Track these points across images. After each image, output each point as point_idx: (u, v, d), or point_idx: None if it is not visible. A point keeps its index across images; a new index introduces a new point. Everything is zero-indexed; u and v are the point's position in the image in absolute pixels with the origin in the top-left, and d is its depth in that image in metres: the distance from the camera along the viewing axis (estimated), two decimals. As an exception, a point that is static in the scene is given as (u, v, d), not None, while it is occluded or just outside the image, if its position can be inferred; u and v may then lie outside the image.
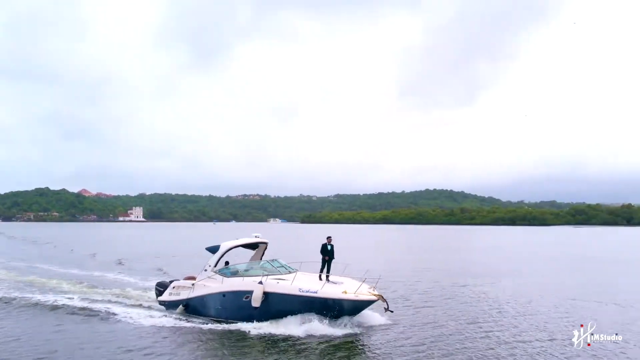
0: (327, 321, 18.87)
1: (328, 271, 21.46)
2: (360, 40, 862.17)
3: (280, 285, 19.74)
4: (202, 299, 22.06)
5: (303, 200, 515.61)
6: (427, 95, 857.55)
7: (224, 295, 21.03)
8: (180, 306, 22.77)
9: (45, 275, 37.14)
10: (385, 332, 19.62)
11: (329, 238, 22.23)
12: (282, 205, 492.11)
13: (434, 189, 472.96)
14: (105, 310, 23.57)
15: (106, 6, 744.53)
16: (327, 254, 21.71)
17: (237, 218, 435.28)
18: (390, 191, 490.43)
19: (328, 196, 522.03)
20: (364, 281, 19.61)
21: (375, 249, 75.02)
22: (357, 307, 19.18)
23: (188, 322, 21.40)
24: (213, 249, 23.41)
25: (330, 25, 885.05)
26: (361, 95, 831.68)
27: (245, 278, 20.89)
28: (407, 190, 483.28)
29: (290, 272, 21.51)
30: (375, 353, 17.10)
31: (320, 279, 20.84)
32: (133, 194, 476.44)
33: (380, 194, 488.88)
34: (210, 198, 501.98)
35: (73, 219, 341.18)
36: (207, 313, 21.80)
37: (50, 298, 26.72)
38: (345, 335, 18.60)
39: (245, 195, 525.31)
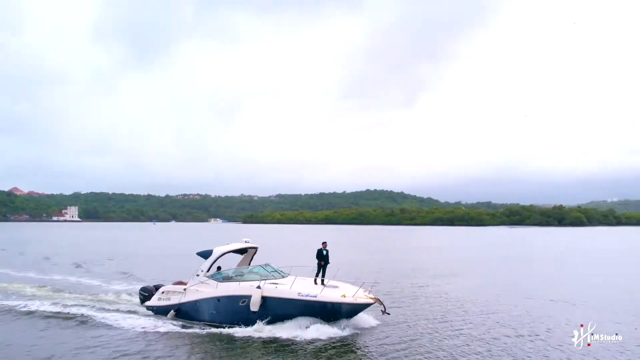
0: (324, 324, 19.59)
1: (323, 275, 22.14)
2: (304, 40, 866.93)
3: (279, 289, 20.29)
4: (195, 303, 22.25)
5: (244, 200, 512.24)
6: (369, 97, 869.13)
7: (218, 300, 21.33)
8: (172, 311, 22.82)
9: (4, 279, 36.24)
10: (379, 332, 20.45)
11: (324, 243, 22.83)
12: (223, 205, 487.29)
13: (375, 190, 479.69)
14: (87, 315, 23.49)
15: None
16: (323, 258, 22.33)
17: (177, 218, 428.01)
18: (331, 191, 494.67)
19: (269, 196, 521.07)
20: (361, 286, 20.41)
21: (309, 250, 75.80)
22: (355, 310, 19.96)
23: (181, 326, 21.58)
24: (205, 254, 23.60)
25: (274, 25, 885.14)
26: (303, 95, 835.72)
27: (242, 283, 21.31)
28: (349, 191, 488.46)
29: (283, 277, 22.15)
30: (373, 353, 17.97)
31: (316, 283, 21.60)
32: (67, 192, 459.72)
33: (322, 194, 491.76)
34: (149, 197, 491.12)
35: (4, 218, 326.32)
36: (200, 318, 22.01)
37: (19, 303, 26.28)
38: (343, 338, 19.24)
39: (185, 194, 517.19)
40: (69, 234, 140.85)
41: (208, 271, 23.12)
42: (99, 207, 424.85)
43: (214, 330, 20.77)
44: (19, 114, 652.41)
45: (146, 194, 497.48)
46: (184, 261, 54.63)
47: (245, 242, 24.68)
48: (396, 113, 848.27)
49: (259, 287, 20.35)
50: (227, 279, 22.34)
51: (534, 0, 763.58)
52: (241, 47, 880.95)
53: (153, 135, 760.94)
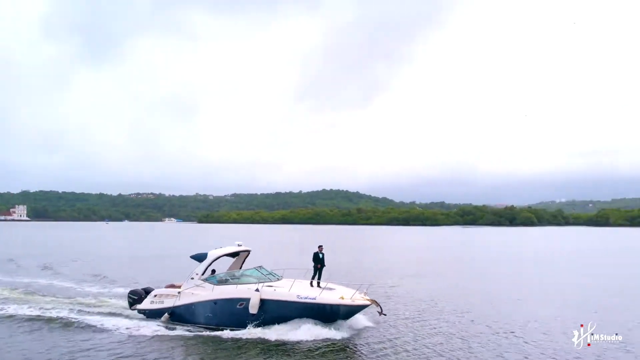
0: (322, 325, 20.19)
1: (319, 278, 22.72)
2: (261, 40, 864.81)
3: (278, 292, 20.81)
4: (190, 306, 22.49)
5: (199, 199, 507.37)
6: (325, 96, 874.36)
7: (215, 303, 21.67)
8: (166, 314, 22.96)
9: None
10: (368, 332, 21.22)
11: (320, 247, 23.40)
12: (178, 205, 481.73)
13: (331, 189, 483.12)
14: (73, 318, 23.44)
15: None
16: (319, 261, 22.91)
17: (130, 217, 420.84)
18: (287, 191, 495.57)
19: (225, 195, 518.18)
20: (358, 289, 21.08)
21: (286, 250, 76.15)
22: (352, 311, 20.65)
23: (176, 329, 21.85)
24: (199, 258, 23.81)
25: (231, 24, 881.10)
26: (260, 95, 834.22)
27: (239, 286, 21.69)
28: (305, 190, 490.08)
29: (278, 279, 22.67)
30: (364, 352, 18.72)
31: (312, 285, 22.20)
32: (15, 191, 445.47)
33: (278, 194, 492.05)
34: (101, 196, 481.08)
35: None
36: (195, 320, 22.27)
37: None
38: (340, 339, 19.82)
39: (138, 193, 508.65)
40: (22, 234, 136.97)
41: (203, 274, 23.37)
42: (49, 206, 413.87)
43: (210, 332, 21.11)
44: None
45: (98, 192, 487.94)
46: (152, 262, 55.11)
47: (238, 245, 24.96)
48: (352, 113, 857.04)
49: (257, 290, 20.86)
50: (223, 282, 22.63)
51: (487, 1, 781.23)
52: (198, 45, 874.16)
53: (106, 133, 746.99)
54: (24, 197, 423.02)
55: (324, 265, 23.04)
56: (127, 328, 21.98)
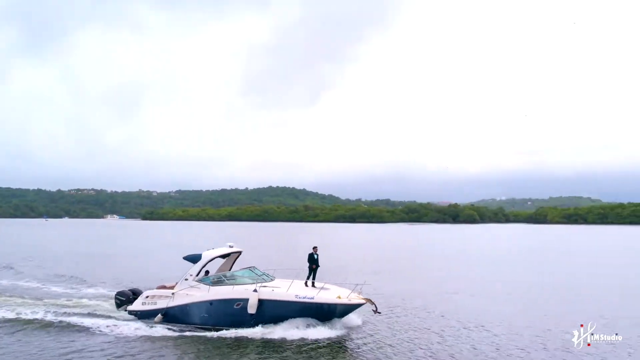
0: (318, 324, 20.83)
1: (314, 278, 23.23)
2: (208, 35, 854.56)
3: (276, 292, 21.27)
4: (185, 307, 22.61)
5: (142, 195, 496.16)
6: (272, 94, 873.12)
7: (211, 304, 21.90)
8: (159, 315, 22.98)
9: None
10: (366, 330, 22.02)
11: (314, 248, 23.84)
12: (120, 201, 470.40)
13: (277, 186, 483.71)
14: (61, 321, 23.12)
15: None
16: (314, 262, 23.43)
17: (70, 214, 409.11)
18: (233, 187, 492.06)
19: (169, 192, 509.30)
20: (354, 289, 21.72)
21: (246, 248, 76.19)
22: (348, 310, 21.33)
23: (173, 330, 21.98)
24: (193, 259, 23.93)
25: (178, 18, 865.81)
26: (206, 90, 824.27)
27: (236, 286, 21.98)
28: (251, 187, 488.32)
29: (272, 280, 23.05)
30: (364, 348, 19.51)
31: (307, 285, 22.73)
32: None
33: (224, 190, 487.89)
34: (39, 192, 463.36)
35: None
36: (190, 321, 22.41)
37: None
38: (336, 336, 20.48)
39: (78, 189, 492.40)
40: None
41: (197, 275, 23.58)
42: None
43: (208, 333, 21.31)
44: None
45: (36, 188, 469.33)
46: (110, 261, 54.22)
47: (230, 246, 25.18)
48: (299, 110, 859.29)
49: (255, 290, 21.27)
50: (219, 282, 22.82)
51: (433, 2, 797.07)
52: (143, 38, 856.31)
53: (45, 127, 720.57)
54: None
55: (319, 266, 23.59)
56: (120, 329, 21.99)
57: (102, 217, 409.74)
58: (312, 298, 20.90)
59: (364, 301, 21.05)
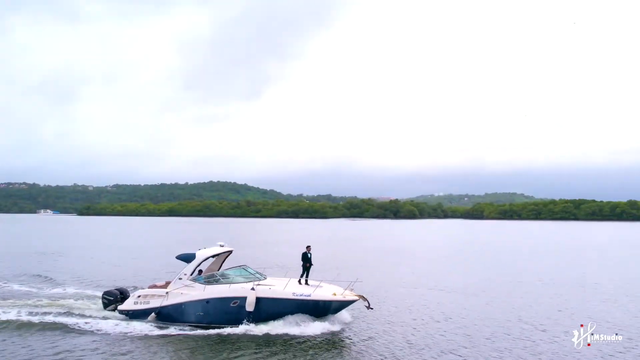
0: (313, 320, 21.48)
1: (307, 276, 23.79)
2: (148, 27, 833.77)
3: (273, 290, 21.83)
4: (179, 306, 22.75)
5: (78, 190, 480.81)
6: (212, 88, 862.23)
7: (207, 302, 22.17)
8: (152, 314, 23.00)
9: None
10: (358, 326, 22.69)
11: (308, 247, 24.40)
12: (54, 196, 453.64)
13: (218, 181, 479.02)
14: (47, 322, 22.80)
15: None
16: (308, 261, 24.00)
17: (1, 209, 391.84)
18: (173, 182, 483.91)
19: (106, 186, 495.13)
20: (349, 286, 22.45)
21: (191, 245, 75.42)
22: (342, 306, 22.23)
23: (169, 329, 22.00)
24: (187, 258, 24.03)
25: (116, 9, 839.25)
26: (145, 83, 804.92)
27: (232, 285, 22.38)
28: (191, 182, 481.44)
29: (265, 278, 23.50)
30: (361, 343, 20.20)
31: (300, 283, 23.24)
32: None
33: (163, 185, 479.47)
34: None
35: None
36: (185, 319, 22.58)
37: None
38: (330, 332, 21.15)
39: (9, 183, 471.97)
40: None
41: (191, 275, 23.71)
42: None
43: (204, 331, 21.56)
44: None
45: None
46: (65, 258, 52.77)
47: (221, 245, 25.39)
48: (240, 105, 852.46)
49: (253, 288, 21.69)
50: (213, 281, 23.12)
51: (377, 1, 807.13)
52: (80, 28, 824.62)
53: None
54: None
55: (312, 264, 24.25)
56: (115, 328, 22.00)
57: (35, 212, 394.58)
58: (309, 295, 21.57)
59: (357, 298, 21.85)
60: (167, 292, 23.39)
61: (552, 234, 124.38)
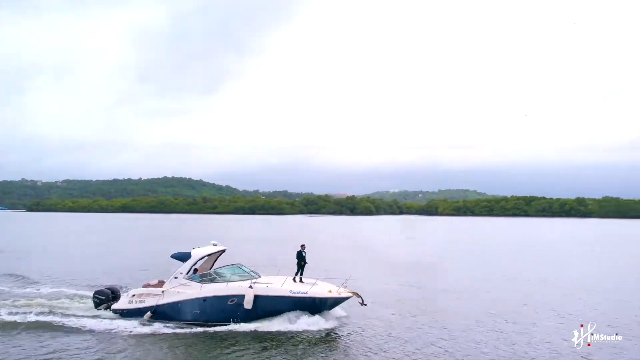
0: (309, 316, 22.37)
1: (302, 274, 24.59)
2: (102, 18, 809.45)
3: (270, 288, 22.63)
4: (176, 304, 23.19)
5: (27, 185, 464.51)
6: (168, 82, 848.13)
7: (204, 300, 22.73)
8: (148, 313, 23.34)
9: None
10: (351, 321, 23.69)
11: (302, 246, 25.33)
12: (1, 191, 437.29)
13: (173, 177, 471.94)
14: (40, 321, 22.98)
15: None
16: (302, 259, 24.96)
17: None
18: (126, 178, 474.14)
19: (56, 181, 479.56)
20: (343, 283, 23.38)
21: (153, 243, 74.84)
22: (337, 302, 23.15)
23: (164, 327, 22.40)
24: (182, 257, 24.47)
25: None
26: (98, 76, 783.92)
27: (230, 283, 23.01)
28: (145, 177, 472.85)
29: (259, 277, 24.20)
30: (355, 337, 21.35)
31: (295, 281, 24.00)
32: None
33: (116, 180, 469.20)
34: None
35: None
36: (181, 318, 23.04)
37: None
38: (325, 327, 22.10)
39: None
40: None
41: (187, 273, 24.10)
42: None
43: (201, 328, 22.08)
44: None
45: None
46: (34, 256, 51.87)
47: (214, 244, 25.86)
48: (196, 100, 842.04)
49: (250, 286, 22.34)
50: (209, 280, 23.70)
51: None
52: (32, 18, 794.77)
53: None
54: None
55: (306, 262, 25.14)
56: (109, 327, 22.37)
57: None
58: (306, 293, 22.47)
59: (351, 294, 22.80)
60: (163, 291, 23.84)
61: (506, 230, 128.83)
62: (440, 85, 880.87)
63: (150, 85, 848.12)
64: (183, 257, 24.66)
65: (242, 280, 23.25)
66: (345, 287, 23.42)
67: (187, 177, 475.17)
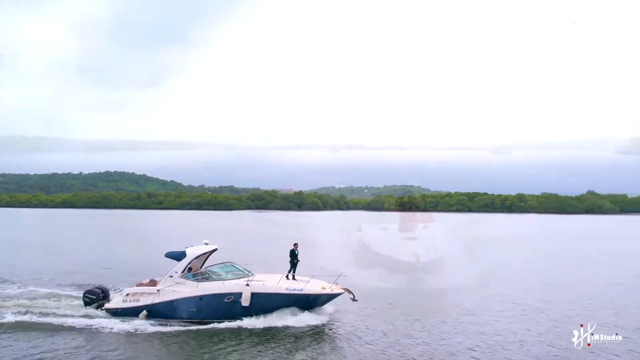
0: (302, 312, 23.62)
1: (294, 272, 25.68)
2: (40, 7, 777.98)
3: (267, 286, 23.70)
4: (172, 303, 23.80)
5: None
6: (110, 74, 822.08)
7: (201, 299, 23.45)
8: (144, 312, 23.83)
9: None
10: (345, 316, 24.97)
11: (295, 244, 26.34)
12: None
13: (115, 171, 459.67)
14: (32, 321, 23.26)
15: None
16: (295, 257, 26.04)
17: None
18: (66, 172, 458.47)
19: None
20: (335, 281, 24.58)
21: (108, 241, 74.09)
22: (329, 299, 24.54)
23: (159, 325, 23.05)
24: (177, 256, 25.07)
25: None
26: (35, 66, 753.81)
27: (226, 282, 23.79)
28: (85, 172, 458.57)
29: (253, 275, 25.11)
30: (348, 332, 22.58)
31: (288, 278, 25.03)
32: None
33: (55, 175, 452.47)
34: None
35: None
36: (177, 316, 23.74)
37: None
38: (318, 322, 23.43)
39: None
40: None
41: (182, 272, 24.58)
42: None
43: (198, 326, 22.92)
44: None
45: None
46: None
47: (206, 244, 26.49)
48: (139, 92, 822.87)
49: (247, 284, 23.17)
50: (204, 278, 24.45)
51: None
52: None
53: None
54: None
55: (299, 261, 26.25)
56: (106, 326, 22.87)
57: None
58: (301, 290, 23.71)
59: (343, 291, 24.11)
60: (158, 290, 24.29)
61: (459, 226, 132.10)
62: (385, 79, 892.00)
63: (91, 78, 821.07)
64: (178, 256, 25.31)
65: (238, 279, 24.07)
66: (337, 283, 24.63)
67: (130, 171, 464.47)
